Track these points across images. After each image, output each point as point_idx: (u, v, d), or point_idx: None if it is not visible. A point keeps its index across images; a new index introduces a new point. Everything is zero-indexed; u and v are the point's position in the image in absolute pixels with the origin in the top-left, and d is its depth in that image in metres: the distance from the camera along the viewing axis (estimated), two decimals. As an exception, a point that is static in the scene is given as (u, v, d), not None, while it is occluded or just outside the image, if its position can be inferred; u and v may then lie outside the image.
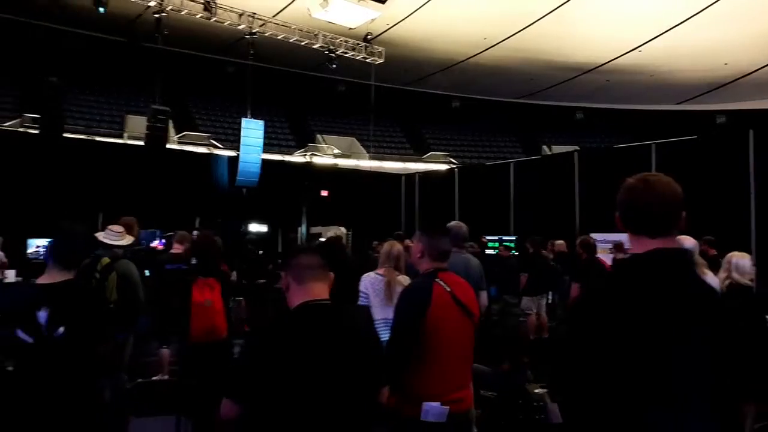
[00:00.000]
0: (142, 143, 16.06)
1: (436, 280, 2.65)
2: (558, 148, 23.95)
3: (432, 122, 27.47)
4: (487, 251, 13.21)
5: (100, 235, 4.69)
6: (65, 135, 14.41)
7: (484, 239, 11.34)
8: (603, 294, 1.52)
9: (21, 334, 2.56)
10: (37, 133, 14.45)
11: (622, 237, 12.51)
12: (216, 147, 20.96)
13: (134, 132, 19.37)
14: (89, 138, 17.76)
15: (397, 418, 2.53)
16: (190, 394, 3.54)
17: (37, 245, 12.64)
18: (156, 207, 13.62)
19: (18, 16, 19.21)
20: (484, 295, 4.83)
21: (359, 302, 4.42)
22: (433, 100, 27.34)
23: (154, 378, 5.17)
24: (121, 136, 19.93)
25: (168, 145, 18.90)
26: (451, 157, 24.99)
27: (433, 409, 2.49)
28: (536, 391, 4.98)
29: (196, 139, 20.99)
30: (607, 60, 22.52)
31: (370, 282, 4.46)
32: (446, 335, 2.58)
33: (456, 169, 18.70)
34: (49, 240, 2.94)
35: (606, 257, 8.76)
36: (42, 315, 2.55)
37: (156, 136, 14.59)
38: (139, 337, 4.93)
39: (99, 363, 2.76)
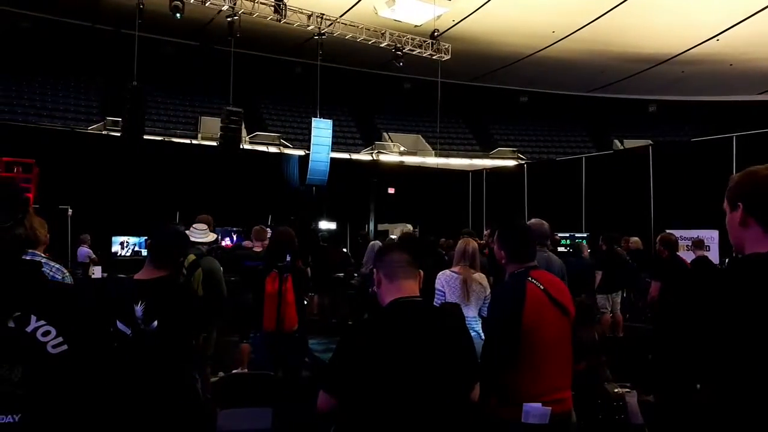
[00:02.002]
0: (215, 143, 16.66)
1: (529, 278, 2.58)
2: (630, 143, 23.06)
3: (499, 118, 27.05)
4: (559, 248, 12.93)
5: (186, 233, 4.88)
6: (145, 137, 15.15)
7: (556, 236, 11.06)
8: (721, 294, 1.40)
9: (121, 326, 2.70)
10: (119, 135, 15.23)
11: (701, 233, 11.99)
12: (285, 146, 21.44)
13: (208, 133, 20.10)
14: (167, 139, 18.57)
15: (496, 421, 2.48)
16: (271, 385, 3.62)
17: (120, 242, 13.36)
18: (230, 205, 14.10)
19: (102, 25, 20.33)
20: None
21: (435, 300, 4.40)
22: (501, 95, 26.89)
23: (234, 371, 5.35)
24: (195, 137, 20.72)
25: (241, 146, 19.57)
26: (518, 152, 24.52)
27: (534, 410, 2.41)
28: (615, 390, 4.80)
29: (267, 139, 21.55)
30: (683, 50, 21.47)
31: (445, 280, 4.42)
32: (544, 334, 2.51)
33: (525, 165, 18.34)
34: (135, 238, 3.08)
35: (685, 255, 8.34)
36: (139, 309, 2.68)
37: (229, 137, 15.08)
38: (221, 331, 5.10)
39: (190, 356, 2.87)
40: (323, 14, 16.98)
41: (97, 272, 10.85)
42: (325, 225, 15.39)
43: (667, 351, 1.48)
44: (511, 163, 21.94)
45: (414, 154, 23.62)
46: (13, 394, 1.21)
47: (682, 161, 12.67)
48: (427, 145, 24.31)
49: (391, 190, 17.38)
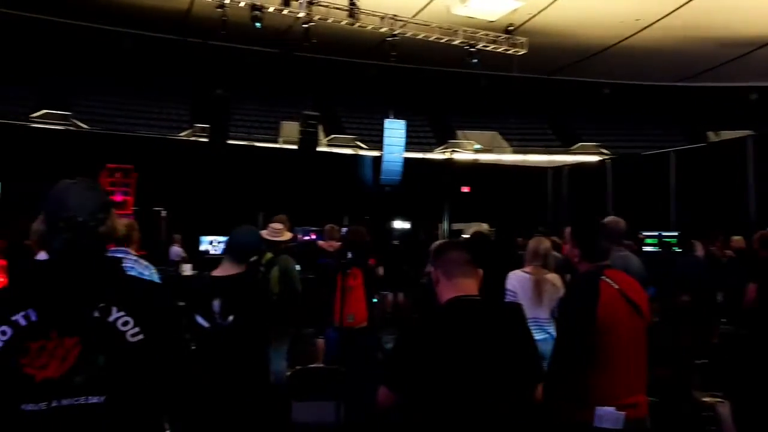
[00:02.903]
0: (295, 147, 17.19)
1: (602, 277, 2.51)
2: (728, 134, 21.55)
3: (581, 112, 26.11)
4: (645, 248, 12.34)
5: (264, 233, 5.10)
6: (230, 142, 15.90)
7: (641, 236, 10.58)
8: None
9: (200, 320, 2.89)
10: (206, 141, 16.06)
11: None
12: (361, 148, 21.75)
13: (288, 137, 20.76)
14: (249, 144, 19.36)
15: (568, 424, 2.44)
16: (339, 380, 3.72)
17: (209, 242, 14.08)
18: (308, 206, 14.52)
19: (192, 38, 21.49)
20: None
21: (506, 300, 4.34)
22: (582, 88, 25.95)
23: (310, 366, 5.52)
24: (276, 141, 21.45)
25: (318, 148, 20.08)
26: (603, 148, 23.57)
27: (607, 414, 2.35)
28: (705, 399, 4.52)
29: (344, 142, 21.96)
30: (790, 29, 19.81)
31: (517, 280, 4.36)
32: (618, 335, 2.43)
33: (608, 161, 17.63)
34: (223, 237, 3.27)
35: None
36: (216, 304, 2.85)
37: (307, 140, 15.52)
38: (298, 327, 5.29)
39: (264, 349, 3.01)
40: (396, 15, 17.10)
41: (187, 270, 11.52)
42: (399, 225, 15.49)
43: None
44: (594, 158, 21.13)
45: (490, 151, 23.27)
46: (98, 377, 1.33)
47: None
48: (504, 141, 23.88)
49: (465, 189, 17.23)
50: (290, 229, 6.48)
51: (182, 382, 1.54)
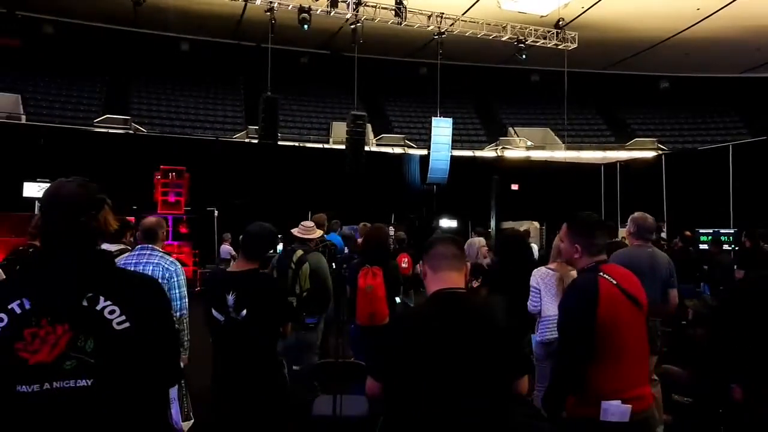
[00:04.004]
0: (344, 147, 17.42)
1: (600, 273, 2.50)
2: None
3: (637, 106, 25.24)
4: (701, 246, 11.86)
5: (295, 231, 5.24)
6: (280, 143, 16.28)
7: (687, 233, 10.19)
8: None
9: (215, 313, 3.03)
10: (256, 142, 16.52)
11: None
12: (410, 147, 21.80)
13: (339, 137, 21.05)
14: (300, 145, 19.75)
15: (575, 420, 2.45)
16: (357, 373, 3.79)
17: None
18: (356, 205, 14.68)
19: (246, 42, 22.14)
20: (674, 293, 4.37)
21: (530, 298, 4.31)
22: (638, 82, 25.11)
23: (331, 360, 5.64)
24: (327, 142, 21.78)
25: (368, 148, 20.25)
26: (660, 143, 22.71)
27: (612, 407, 2.35)
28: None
29: (392, 141, 22.06)
30: None
31: (541, 276, 4.32)
32: (619, 330, 2.42)
33: (663, 156, 17.01)
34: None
35: None
36: (230, 298, 2.99)
37: (355, 140, 15.70)
38: (328, 323, 5.41)
39: (276, 342, 3.13)
40: (443, 13, 17.06)
41: (236, 268, 11.96)
42: (446, 223, 15.45)
43: None
44: (650, 154, 20.42)
45: (542, 148, 22.84)
46: (87, 362, 1.45)
47: None
48: (556, 138, 23.37)
49: (514, 187, 16.99)
50: (328, 228, 6.65)
51: (170, 368, 1.64)
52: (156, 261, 3.45)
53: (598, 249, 2.60)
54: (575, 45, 18.67)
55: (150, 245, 3.49)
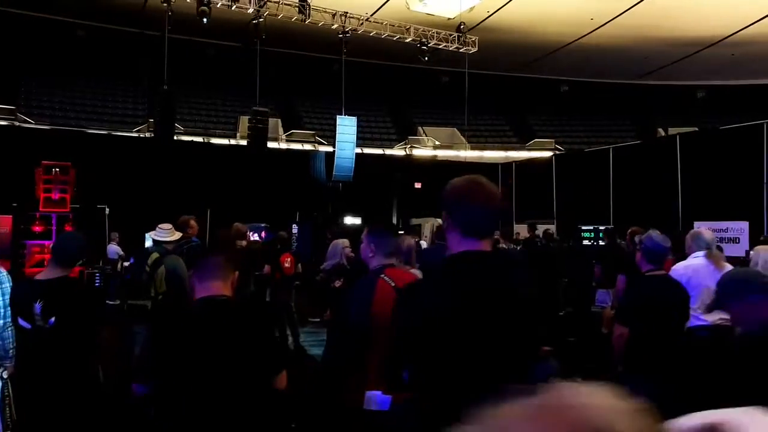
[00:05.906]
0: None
1: (382, 275, 2.69)
2: (676, 131, 22.07)
3: (539, 109, 26.45)
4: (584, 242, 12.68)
5: (151, 233, 5.18)
6: (181, 138, 15.83)
7: (549, 231, 10.96)
8: None
9: (22, 322, 2.98)
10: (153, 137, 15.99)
11: (730, 225, 11.41)
12: (321, 144, 21.80)
13: (246, 132, 20.68)
14: (205, 140, 19.27)
15: (343, 410, 2.61)
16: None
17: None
18: (259, 202, 14.55)
19: (152, 31, 21.27)
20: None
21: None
22: (540, 85, 26.30)
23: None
24: (235, 137, 21.35)
25: (276, 144, 20.02)
26: (558, 144, 23.93)
27: (374, 397, 2.53)
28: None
29: (302, 137, 21.97)
30: (733, 31, 20.33)
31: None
32: (390, 326, 2.61)
33: (554, 157, 17.98)
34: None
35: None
36: (37, 306, 2.95)
37: (257, 136, 15.53)
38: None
39: (92, 348, 3.12)
40: (347, 12, 17.15)
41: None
42: (350, 220, 15.62)
43: None
44: (547, 154, 21.51)
45: (449, 147, 23.48)
46: None
47: (710, 150, 12.15)
48: (463, 138, 24.11)
49: (417, 185, 17.42)
50: (196, 230, 6.58)
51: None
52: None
53: (389, 253, 2.81)
54: (476, 48, 19.31)
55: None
